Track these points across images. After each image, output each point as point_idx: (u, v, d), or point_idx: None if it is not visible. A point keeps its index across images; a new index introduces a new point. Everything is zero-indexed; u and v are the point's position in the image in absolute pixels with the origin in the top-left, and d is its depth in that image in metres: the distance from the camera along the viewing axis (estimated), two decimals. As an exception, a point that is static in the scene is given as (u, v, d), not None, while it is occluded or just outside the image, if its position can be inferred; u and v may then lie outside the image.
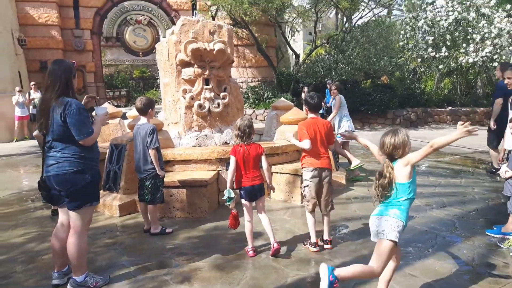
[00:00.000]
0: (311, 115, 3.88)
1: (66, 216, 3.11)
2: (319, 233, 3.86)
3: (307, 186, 3.80)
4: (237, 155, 3.61)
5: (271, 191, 3.84)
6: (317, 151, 3.75)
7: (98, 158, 3.15)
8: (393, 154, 2.59)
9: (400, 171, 2.57)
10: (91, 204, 3.07)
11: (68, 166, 2.90)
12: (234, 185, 3.68)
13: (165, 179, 4.67)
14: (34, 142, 12.21)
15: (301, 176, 5.21)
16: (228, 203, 3.58)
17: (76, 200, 2.96)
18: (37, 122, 3.07)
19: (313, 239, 3.77)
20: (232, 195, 3.56)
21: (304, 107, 3.97)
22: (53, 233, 3.18)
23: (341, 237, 4.04)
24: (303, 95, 14.38)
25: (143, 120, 4.28)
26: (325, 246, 3.78)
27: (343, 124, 6.81)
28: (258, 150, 3.66)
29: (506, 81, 5.38)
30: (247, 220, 3.70)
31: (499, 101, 6.17)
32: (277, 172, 5.55)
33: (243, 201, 3.69)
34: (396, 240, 2.55)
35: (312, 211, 3.79)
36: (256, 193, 3.67)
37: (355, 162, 6.34)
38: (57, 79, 2.89)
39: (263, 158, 3.69)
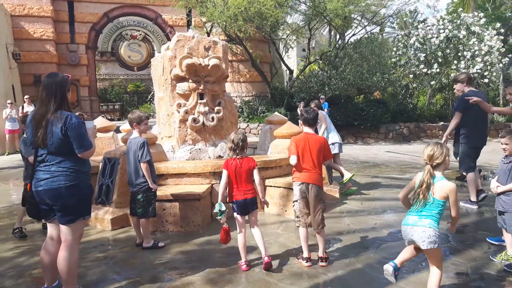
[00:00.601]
0: (305, 129, 3.86)
1: (56, 230, 3.07)
2: (312, 247, 3.84)
3: (297, 201, 3.77)
4: (229, 169, 3.61)
5: (265, 205, 3.80)
6: (305, 166, 3.69)
7: (90, 171, 3.14)
8: (432, 161, 3.05)
9: (439, 190, 2.97)
10: (84, 218, 3.04)
11: (63, 180, 2.86)
12: (227, 199, 3.67)
13: (158, 193, 4.65)
14: (26, 156, 12.12)
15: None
16: (219, 217, 3.56)
17: (69, 214, 2.92)
18: (28, 136, 3.00)
19: (305, 253, 3.71)
20: (223, 208, 3.55)
21: (300, 121, 3.97)
22: (42, 247, 3.13)
23: (335, 251, 4.02)
24: (298, 110, 14.46)
25: (135, 134, 4.28)
26: (320, 263, 3.67)
27: (331, 136, 6.86)
28: (250, 164, 3.66)
29: (508, 97, 5.21)
30: (239, 234, 3.67)
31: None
32: (271, 186, 5.55)
33: (235, 214, 3.68)
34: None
35: (304, 226, 3.74)
36: (249, 206, 3.66)
37: (347, 175, 6.37)
38: (52, 92, 2.87)
39: (255, 172, 3.68)
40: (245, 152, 3.71)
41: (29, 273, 3.61)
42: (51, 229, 3.11)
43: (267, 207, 3.88)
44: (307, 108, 4.01)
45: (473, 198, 5.63)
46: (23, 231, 4.71)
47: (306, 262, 3.67)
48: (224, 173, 3.63)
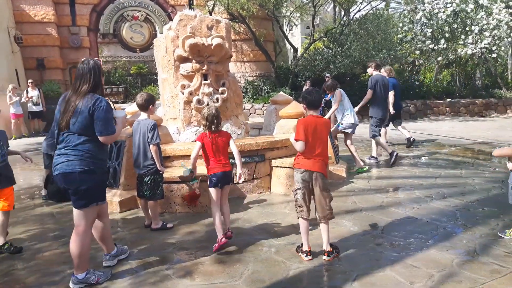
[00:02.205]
0: (310, 112, 3.50)
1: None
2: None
3: (299, 188, 3.44)
4: (205, 142, 3.66)
5: (240, 178, 3.78)
6: (312, 152, 3.37)
7: (106, 158, 3.19)
8: None
9: None
10: (97, 203, 3.06)
11: (78, 165, 2.88)
12: (207, 172, 3.73)
13: (165, 175, 4.66)
14: (33, 140, 12.20)
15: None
16: (192, 182, 3.65)
17: (82, 199, 2.96)
18: (56, 115, 3.06)
19: (305, 247, 3.42)
20: (187, 173, 3.75)
21: (302, 104, 3.60)
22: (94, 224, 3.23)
23: (342, 229, 4.03)
24: (304, 89, 14.35)
25: (143, 115, 4.26)
26: (323, 257, 3.37)
27: (347, 116, 6.78)
28: (226, 137, 3.74)
29: None
30: (215, 208, 3.68)
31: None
32: (277, 166, 5.54)
33: (211, 189, 3.69)
34: None
35: (305, 218, 3.43)
36: (227, 179, 3.72)
37: (359, 165, 6.49)
38: (86, 78, 2.95)
39: (231, 142, 3.75)
40: (220, 127, 3.75)
41: (41, 256, 3.66)
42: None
43: (240, 180, 3.85)
44: (309, 89, 3.65)
45: (374, 154, 7.50)
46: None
47: (306, 256, 3.39)
48: (197, 144, 3.68)
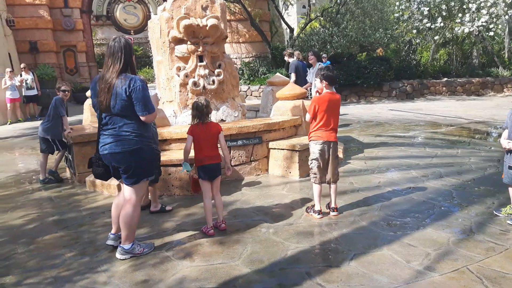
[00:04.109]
0: (328, 89, 3.88)
1: None
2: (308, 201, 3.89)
3: (315, 159, 3.91)
4: (194, 134, 3.61)
5: (228, 171, 3.79)
6: (328, 125, 3.87)
7: (152, 136, 3.26)
8: None
9: None
10: (147, 179, 3.20)
11: (127, 145, 2.99)
12: (194, 164, 3.69)
13: (163, 158, 4.66)
14: (29, 125, 12.12)
15: (298, 151, 5.27)
16: (189, 171, 3.69)
17: (134, 176, 3.08)
18: (93, 100, 3.11)
19: (317, 207, 3.89)
20: (189, 168, 3.67)
21: (324, 82, 3.86)
22: (114, 200, 3.38)
23: (339, 210, 4.06)
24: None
25: None
26: (331, 213, 3.92)
27: None
28: (216, 128, 3.68)
29: None
30: (206, 199, 3.66)
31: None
32: (275, 148, 5.55)
33: (201, 181, 3.68)
34: None
35: (319, 183, 3.92)
36: (216, 171, 3.67)
37: None
38: (117, 56, 2.96)
39: (221, 136, 3.70)
40: (210, 118, 3.71)
41: (41, 240, 3.68)
42: (123, 186, 3.27)
43: (229, 174, 3.85)
44: (328, 66, 4.00)
45: None
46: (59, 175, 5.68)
47: (318, 214, 3.86)
48: (189, 139, 3.64)
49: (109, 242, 3.37)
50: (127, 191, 3.16)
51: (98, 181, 4.96)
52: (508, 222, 3.57)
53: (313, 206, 3.97)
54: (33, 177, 6.08)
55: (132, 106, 2.95)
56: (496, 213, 3.78)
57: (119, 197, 3.37)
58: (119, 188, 4.88)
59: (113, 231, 3.39)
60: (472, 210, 3.94)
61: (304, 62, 9.05)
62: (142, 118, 3.00)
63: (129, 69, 3.03)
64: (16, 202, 4.87)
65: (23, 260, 3.28)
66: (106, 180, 3.47)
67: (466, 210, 3.96)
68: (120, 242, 3.30)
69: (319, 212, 3.88)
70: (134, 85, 2.92)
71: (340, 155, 6.13)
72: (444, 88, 16.43)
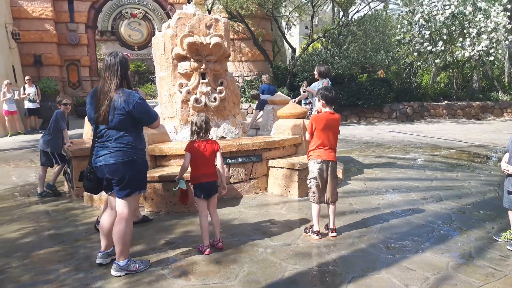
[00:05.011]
0: (326, 109, 3.92)
1: (115, 202, 3.24)
2: (307, 222, 3.86)
3: (314, 178, 3.90)
4: (192, 152, 3.59)
5: (224, 190, 3.78)
6: (326, 145, 3.88)
7: (145, 148, 3.29)
8: None
9: None
10: (139, 192, 3.21)
11: (121, 156, 3.03)
12: (190, 182, 3.67)
13: (162, 173, 4.66)
14: (29, 137, 12.14)
15: (298, 170, 5.25)
16: (183, 188, 3.71)
17: (127, 188, 3.09)
18: (89, 113, 3.14)
19: (316, 227, 3.86)
20: (185, 186, 3.71)
21: (321, 101, 3.92)
22: (102, 215, 3.38)
23: (338, 231, 4.03)
24: (301, 90, 14.37)
25: None
26: (330, 235, 3.88)
27: None
28: (214, 146, 3.65)
29: None
30: (202, 218, 3.62)
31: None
32: (274, 167, 5.54)
33: (197, 199, 3.65)
34: None
35: (318, 203, 3.90)
36: (212, 189, 3.64)
37: None
38: (114, 71, 3.04)
39: (218, 154, 3.68)
40: (209, 135, 3.70)
41: (36, 254, 3.64)
42: (111, 200, 3.30)
43: (224, 193, 3.83)
44: (328, 87, 4.07)
45: None
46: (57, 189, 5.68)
47: (316, 235, 3.81)
48: (187, 156, 3.61)
49: (98, 261, 3.33)
50: (120, 204, 3.15)
51: (95, 196, 4.93)
52: (508, 247, 3.53)
53: (312, 226, 3.94)
54: (31, 190, 6.06)
55: (129, 120, 3.03)
56: (496, 238, 3.75)
57: (106, 212, 3.36)
58: (105, 204, 4.84)
59: (102, 248, 3.35)
60: (471, 235, 3.90)
61: (272, 85, 10.67)
62: (150, 127, 3.21)
63: (125, 84, 3.11)
64: (13, 215, 4.83)
65: (17, 274, 3.24)
66: (96, 193, 3.48)
67: (466, 234, 3.93)
68: (110, 260, 3.29)
69: (318, 233, 3.85)
70: (133, 99, 3.00)
71: (340, 175, 6.11)
72: (444, 111, 16.51)
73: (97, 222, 3.98)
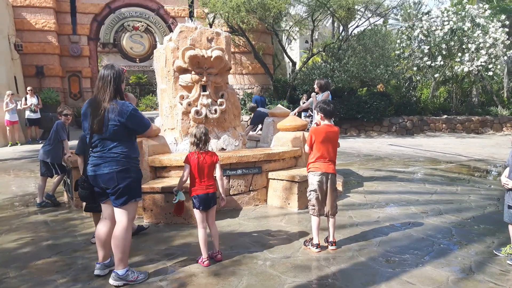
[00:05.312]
0: (325, 122, 3.96)
1: (109, 210, 3.28)
2: (307, 235, 3.85)
3: (314, 190, 3.91)
4: (191, 163, 3.60)
5: (222, 202, 3.78)
6: (325, 157, 3.90)
7: (138, 157, 3.34)
8: None
9: None
10: (135, 200, 3.24)
11: (115, 165, 3.08)
12: (189, 194, 3.68)
13: (162, 185, 4.66)
14: (29, 147, 12.15)
15: (298, 182, 5.25)
16: (182, 200, 3.73)
17: (122, 196, 3.12)
18: (84, 124, 3.19)
19: (315, 240, 3.84)
20: (183, 197, 3.73)
21: (319, 114, 3.97)
22: (98, 226, 3.36)
23: (338, 244, 4.02)
24: (301, 103, 14.44)
25: None
26: (330, 248, 3.87)
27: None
28: (213, 158, 3.66)
29: None
30: (201, 230, 3.60)
31: None
32: (274, 179, 5.54)
33: (195, 210, 3.64)
34: None
35: (318, 215, 3.89)
36: (210, 201, 3.63)
37: None
38: (107, 83, 3.10)
39: (217, 166, 3.69)
40: (208, 146, 3.70)
41: (33, 264, 3.62)
42: (104, 209, 3.33)
43: (223, 205, 3.84)
44: (326, 100, 4.12)
45: None
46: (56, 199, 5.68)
47: (316, 248, 3.80)
48: (186, 168, 3.61)
49: (96, 272, 3.33)
50: (118, 214, 3.19)
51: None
52: (508, 262, 3.51)
53: (311, 239, 3.92)
54: (30, 200, 6.05)
55: (123, 130, 3.09)
56: (496, 253, 3.73)
57: (100, 222, 3.36)
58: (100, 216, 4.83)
59: (99, 259, 3.35)
60: (471, 249, 3.89)
61: (263, 96, 10.88)
62: (144, 134, 3.32)
63: (118, 96, 3.17)
64: (11, 225, 4.82)
65: (14, 285, 3.22)
66: (91, 202, 3.48)
67: (466, 248, 3.91)
68: (108, 271, 3.27)
69: (318, 245, 3.83)
70: (126, 109, 3.07)
71: (340, 188, 6.11)
72: (444, 125, 16.57)
73: (93, 236, 3.97)
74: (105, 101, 3.06)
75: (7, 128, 12.65)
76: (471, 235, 4.28)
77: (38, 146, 6.66)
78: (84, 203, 3.44)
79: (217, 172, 3.70)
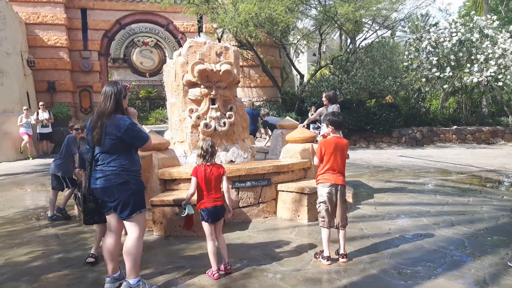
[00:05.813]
0: (334, 134, 3.98)
1: (113, 221, 3.32)
2: (316, 248, 3.81)
3: (323, 202, 3.90)
4: (198, 176, 3.60)
5: (229, 213, 3.77)
6: (335, 169, 3.90)
7: (140, 170, 3.39)
8: None
9: None
10: (140, 211, 3.26)
11: (114, 179, 3.14)
12: (197, 206, 3.68)
13: (171, 198, 4.67)
14: (41, 161, 12.30)
15: (307, 194, 5.24)
16: (191, 213, 3.75)
17: (125, 209, 3.17)
18: (88, 138, 3.32)
19: (326, 253, 3.81)
20: (192, 210, 3.74)
21: (330, 127, 3.98)
22: (104, 239, 3.39)
23: (349, 256, 3.98)
24: (309, 115, 14.46)
25: None
26: (341, 260, 3.82)
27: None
28: (220, 170, 3.66)
29: None
30: (210, 243, 3.60)
31: None
32: (283, 191, 5.53)
33: (203, 223, 3.63)
34: None
35: (328, 227, 3.87)
36: (219, 213, 3.63)
37: None
38: (108, 98, 3.19)
39: (224, 178, 3.69)
40: (214, 159, 3.71)
41: (44, 278, 3.64)
42: (108, 220, 3.36)
43: (230, 217, 3.82)
44: (335, 112, 4.14)
45: None
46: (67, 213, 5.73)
47: (327, 261, 3.76)
48: (193, 181, 3.62)
49: (106, 286, 3.31)
50: (127, 226, 3.25)
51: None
52: (524, 274, 3.45)
53: (322, 251, 3.89)
54: (41, 213, 6.10)
55: (120, 144, 3.16)
56: (510, 264, 3.66)
57: (106, 235, 3.39)
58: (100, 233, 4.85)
59: (109, 272, 3.35)
60: (485, 261, 3.82)
61: (255, 109, 10.71)
62: (142, 147, 3.33)
63: (119, 111, 3.23)
64: (23, 239, 4.86)
65: (25, 298, 3.23)
66: (97, 215, 3.52)
67: (479, 260, 3.84)
68: (118, 284, 3.28)
69: (328, 258, 3.80)
70: (124, 124, 3.13)
71: (350, 200, 6.07)
72: (454, 136, 16.43)
73: (89, 255, 3.99)
74: (105, 115, 3.15)
75: (24, 138, 12.96)
76: (485, 246, 4.21)
77: (50, 160, 6.75)
78: (82, 216, 3.48)
79: (224, 184, 3.70)
